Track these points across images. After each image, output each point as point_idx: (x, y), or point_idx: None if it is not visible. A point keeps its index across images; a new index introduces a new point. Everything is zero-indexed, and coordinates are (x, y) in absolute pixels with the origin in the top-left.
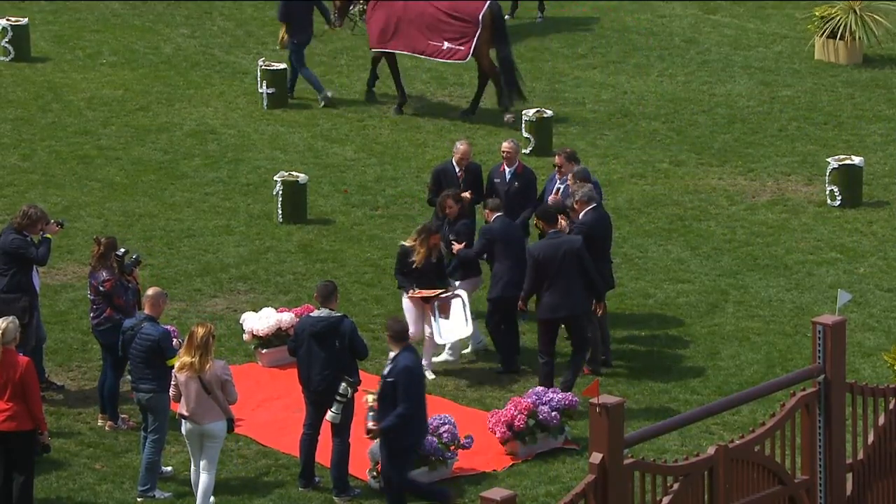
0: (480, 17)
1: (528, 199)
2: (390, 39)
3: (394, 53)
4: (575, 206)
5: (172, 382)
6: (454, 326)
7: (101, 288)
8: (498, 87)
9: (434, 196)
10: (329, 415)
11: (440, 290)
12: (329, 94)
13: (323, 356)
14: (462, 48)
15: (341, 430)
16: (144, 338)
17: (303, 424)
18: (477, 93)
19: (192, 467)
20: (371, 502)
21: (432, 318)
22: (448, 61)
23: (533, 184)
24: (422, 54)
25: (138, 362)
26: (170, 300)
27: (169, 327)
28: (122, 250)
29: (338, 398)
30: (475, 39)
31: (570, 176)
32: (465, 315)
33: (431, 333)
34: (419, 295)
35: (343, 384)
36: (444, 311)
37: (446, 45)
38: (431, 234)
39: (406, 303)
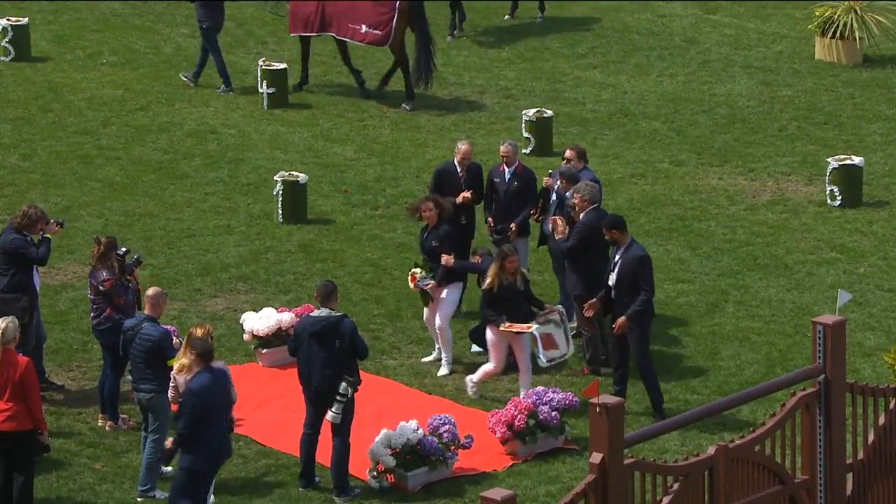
0: (398, 4)
1: (527, 198)
2: (316, 25)
3: (309, 38)
4: (575, 204)
5: (171, 384)
6: (556, 347)
7: (101, 287)
8: (406, 75)
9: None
10: (329, 415)
11: (531, 326)
12: (231, 90)
13: (323, 356)
14: (379, 32)
15: (341, 430)
16: (145, 338)
17: (303, 424)
18: (388, 72)
19: None
20: (371, 502)
21: (537, 340)
22: (366, 45)
23: (532, 183)
24: (343, 37)
25: (138, 362)
26: (170, 300)
27: (169, 327)
28: (124, 249)
29: (338, 398)
30: (393, 24)
31: (558, 176)
32: (566, 333)
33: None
34: (512, 329)
35: (343, 384)
36: (546, 332)
37: (364, 28)
38: (506, 256)
39: (491, 336)
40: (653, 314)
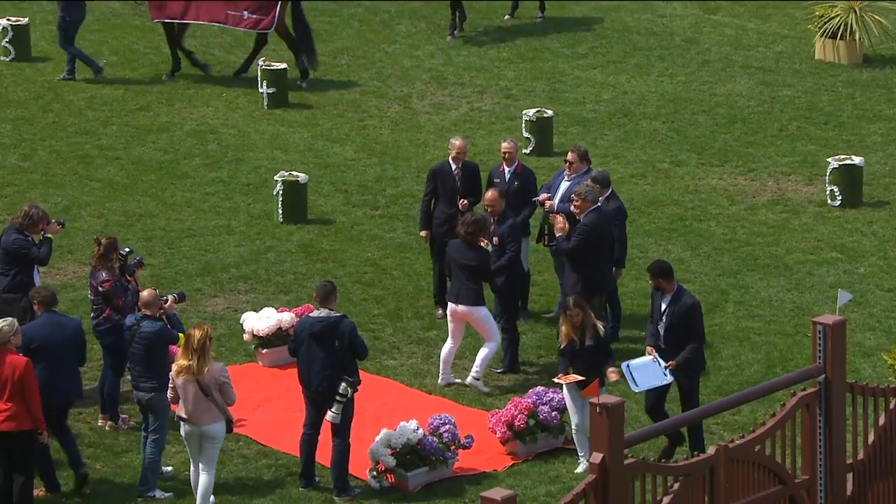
0: None
1: (528, 198)
2: (182, 11)
3: (172, 24)
4: (575, 204)
5: (170, 384)
6: (650, 377)
7: (100, 288)
8: (295, 53)
9: (429, 195)
10: (329, 415)
11: (582, 378)
12: (101, 69)
13: (323, 356)
14: (265, 18)
15: (341, 430)
16: (143, 335)
17: (303, 424)
18: (251, 54)
19: (192, 468)
20: (371, 502)
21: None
22: (252, 31)
23: (532, 183)
24: (223, 24)
25: (138, 361)
26: None
27: (175, 294)
28: (127, 249)
29: (338, 398)
30: (278, 8)
31: (589, 179)
32: (660, 367)
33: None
34: (566, 381)
35: (343, 384)
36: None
37: (246, 14)
38: (567, 309)
39: (565, 388)
40: (703, 365)
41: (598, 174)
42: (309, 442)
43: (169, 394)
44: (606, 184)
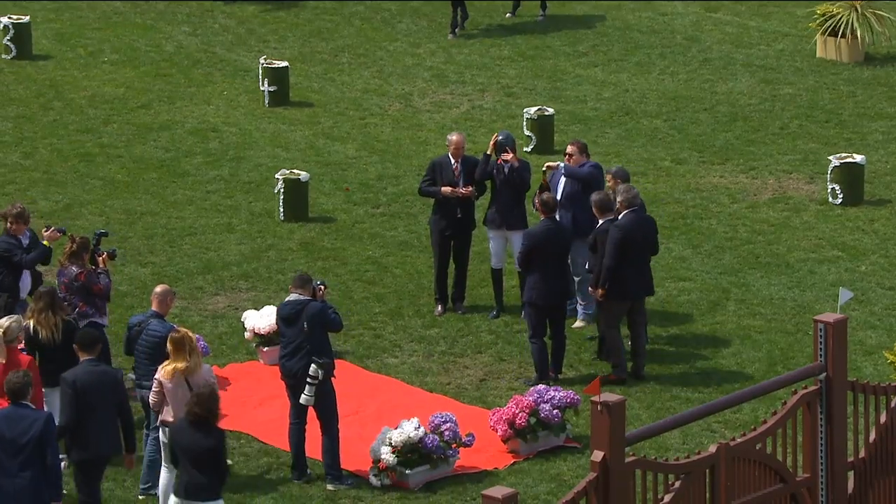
0: None
1: (525, 188)
2: None
3: None
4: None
5: (154, 388)
6: None
7: (75, 283)
8: None
9: (427, 186)
10: (302, 398)
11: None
12: None
13: (292, 340)
14: None
15: (329, 427)
16: (151, 334)
17: (288, 416)
18: None
19: (166, 474)
20: (372, 500)
21: None
22: None
23: (527, 181)
24: None
25: (143, 359)
26: None
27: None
28: (102, 231)
29: (309, 380)
30: None
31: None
32: None
33: None
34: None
35: (313, 366)
36: None
37: None
38: None
39: None
40: None
41: (617, 170)
42: (297, 433)
43: (152, 397)
44: (626, 179)
